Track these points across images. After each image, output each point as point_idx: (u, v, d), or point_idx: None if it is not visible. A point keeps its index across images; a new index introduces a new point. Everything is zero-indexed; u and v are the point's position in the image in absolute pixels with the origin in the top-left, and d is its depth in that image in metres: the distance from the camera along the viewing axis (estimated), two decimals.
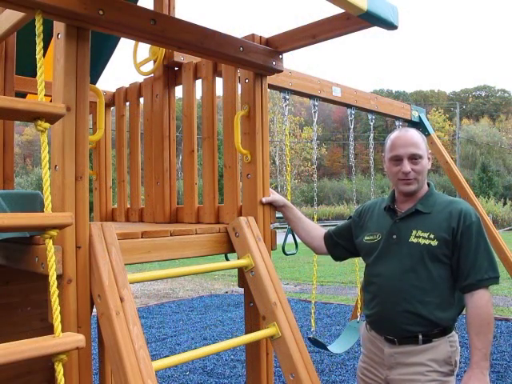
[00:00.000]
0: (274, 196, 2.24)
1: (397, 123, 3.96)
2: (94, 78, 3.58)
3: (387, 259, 1.88)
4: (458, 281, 1.79)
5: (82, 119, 1.56)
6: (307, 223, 2.25)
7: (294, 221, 2.26)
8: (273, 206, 2.25)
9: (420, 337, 1.79)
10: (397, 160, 1.90)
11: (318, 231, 2.24)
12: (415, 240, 1.82)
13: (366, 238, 1.99)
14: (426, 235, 1.81)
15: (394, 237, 1.88)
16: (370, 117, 3.69)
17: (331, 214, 30.36)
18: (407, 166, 1.86)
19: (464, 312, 1.83)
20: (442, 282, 1.79)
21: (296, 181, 36.60)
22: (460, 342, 1.88)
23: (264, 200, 2.19)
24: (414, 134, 1.94)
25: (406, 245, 1.84)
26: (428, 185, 1.97)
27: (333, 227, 2.29)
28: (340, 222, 2.27)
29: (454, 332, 1.85)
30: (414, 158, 1.87)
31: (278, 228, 2.67)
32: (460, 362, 1.84)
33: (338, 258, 2.23)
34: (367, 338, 1.98)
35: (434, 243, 1.79)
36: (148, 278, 1.75)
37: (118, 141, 3.05)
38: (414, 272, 1.80)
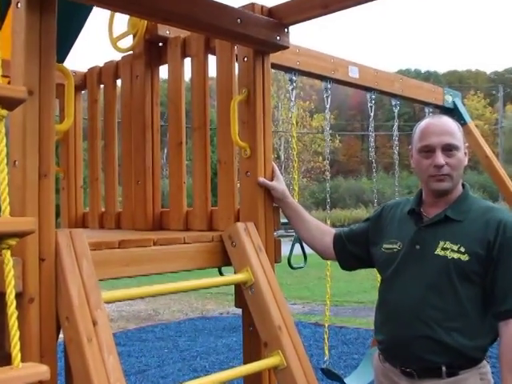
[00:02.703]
0: (276, 184, 2.20)
1: (426, 110, 3.95)
2: (62, 56, 3.57)
3: (406, 274, 1.88)
4: (492, 305, 1.79)
5: (46, 105, 1.56)
6: (311, 222, 2.25)
7: (296, 219, 2.26)
8: (276, 208, 2.25)
9: (443, 368, 1.78)
10: (428, 151, 1.89)
11: (325, 232, 2.24)
12: (442, 253, 1.82)
13: (385, 246, 1.99)
14: (455, 248, 1.81)
15: (417, 247, 1.88)
16: (393, 102, 3.69)
17: (347, 219, 30.34)
18: (440, 157, 1.86)
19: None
20: (470, 305, 1.79)
21: (305, 179, 36.59)
22: (493, 372, 1.87)
23: (261, 181, 2.17)
24: (448, 121, 1.95)
25: (431, 258, 1.84)
26: (463, 186, 1.96)
27: (345, 228, 2.28)
28: None
29: (484, 362, 1.84)
30: (449, 150, 1.87)
31: (283, 236, 2.67)
32: None
33: (347, 267, 2.23)
34: (380, 371, 1.98)
35: (465, 258, 1.79)
36: (126, 297, 1.75)
37: (90, 131, 3.05)
38: (438, 291, 1.80)
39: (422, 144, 1.92)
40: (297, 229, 2.29)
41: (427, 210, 1.96)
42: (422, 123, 1.97)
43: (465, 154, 1.93)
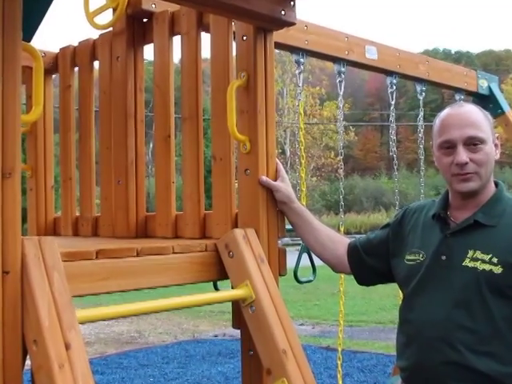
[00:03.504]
0: (280, 184, 2.20)
1: (457, 97, 3.95)
2: (29, 34, 3.58)
3: (431, 289, 1.88)
4: None
5: (11, 91, 1.56)
6: (321, 231, 2.25)
7: (303, 227, 2.25)
8: (280, 212, 2.25)
9: None
10: (448, 147, 1.90)
11: (337, 242, 2.25)
12: (471, 264, 1.82)
13: (407, 257, 2.00)
14: (486, 258, 1.81)
15: (443, 258, 1.89)
16: (418, 88, 3.69)
17: (364, 225, 30.37)
18: (463, 154, 1.86)
19: None
20: (505, 325, 1.79)
21: (314, 178, 36.63)
22: None
23: (263, 180, 2.17)
24: (471, 109, 1.96)
25: (458, 270, 1.84)
26: (496, 185, 1.97)
27: (362, 236, 2.29)
28: None
29: None
30: (473, 144, 1.87)
31: (288, 245, 2.67)
32: None
33: (364, 282, 2.24)
34: None
35: (498, 270, 1.79)
36: (105, 316, 1.75)
37: (62, 122, 3.05)
38: (467, 309, 1.80)
39: (441, 139, 1.93)
40: (304, 238, 2.29)
41: (454, 215, 1.96)
42: (441, 114, 1.98)
43: (496, 146, 1.93)
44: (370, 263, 2.16)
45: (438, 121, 1.97)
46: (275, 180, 2.21)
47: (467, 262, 1.83)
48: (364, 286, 2.32)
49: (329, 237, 2.25)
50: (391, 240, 2.12)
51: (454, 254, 1.87)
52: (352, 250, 2.20)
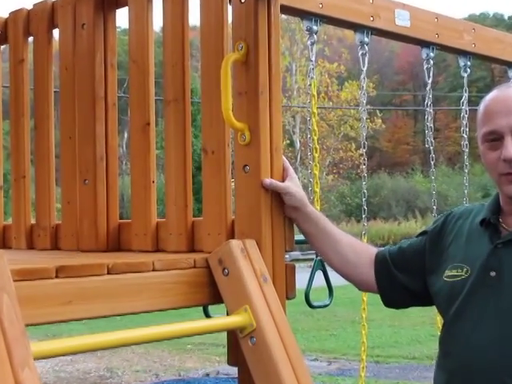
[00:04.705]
0: (290, 185, 2.18)
1: (510, 73, 3.95)
2: None
3: (477, 314, 1.89)
4: None
5: None
6: (342, 240, 2.24)
7: (319, 237, 2.25)
8: (290, 218, 2.26)
9: None
10: (494, 140, 1.92)
11: (362, 253, 2.25)
12: None
13: (447, 273, 2.00)
14: None
15: (493, 274, 1.89)
16: (462, 63, 3.69)
17: (393, 236, 30.31)
18: (510, 147, 1.87)
19: None
20: None
21: (330, 176, 36.65)
22: None
23: (267, 183, 2.15)
24: None
25: None
26: None
27: (391, 247, 2.29)
28: None
29: None
30: None
31: (298, 260, 2.67)
32: None
33: (393, 303, 2.24)
34: None
35: None
36: (67, 350, 1.74)
37: (13, 105, 3.06)
38: None
39: (484, 130, 1.94)
40: (322, 251, 2.30)
41: (507, 221, 1.97)
42: (486, 99, 2.00)
43: None
44: (400, 280, 2.16)
45: (481, 107, 1.99)
46: (282, 180, 2.20)
47: None
48: (393, 309, 2.32)
49: (352, 247, 2.24)
50: (428, 252, 2.12)
51: (506, 270, 1.87)
52: (379, 262, 2.20)
